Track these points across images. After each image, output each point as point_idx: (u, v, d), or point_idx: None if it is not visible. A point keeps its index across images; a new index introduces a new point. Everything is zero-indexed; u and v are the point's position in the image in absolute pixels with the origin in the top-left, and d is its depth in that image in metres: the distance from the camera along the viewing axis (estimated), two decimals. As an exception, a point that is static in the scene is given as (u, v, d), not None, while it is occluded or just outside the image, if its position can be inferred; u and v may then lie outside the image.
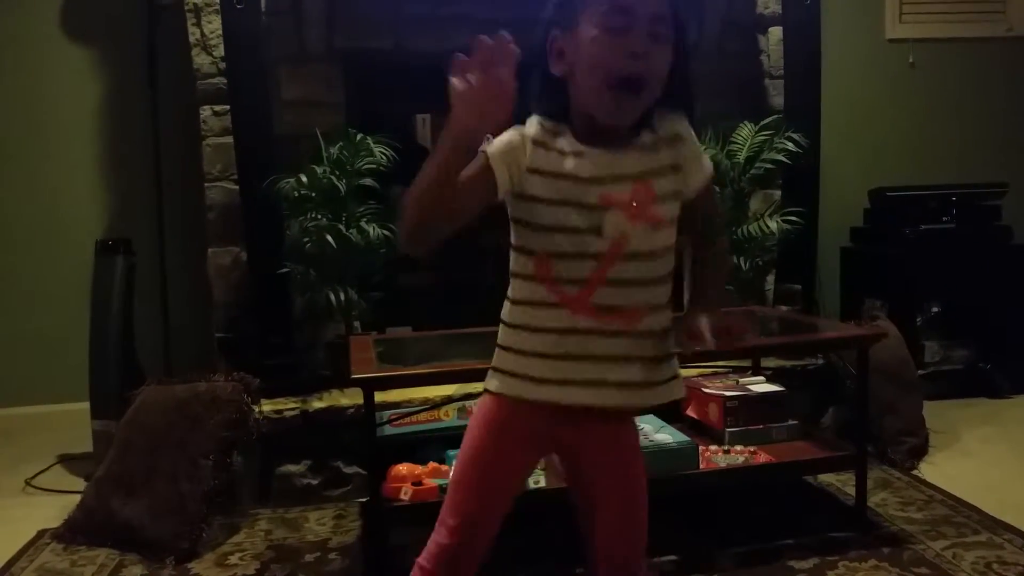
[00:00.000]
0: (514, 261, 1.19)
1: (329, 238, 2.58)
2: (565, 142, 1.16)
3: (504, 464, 1.23)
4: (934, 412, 2.89)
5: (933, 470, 2.60)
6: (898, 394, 2.73)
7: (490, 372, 1.23)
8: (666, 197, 1.17)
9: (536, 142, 1.15)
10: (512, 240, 1.19)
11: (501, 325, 1.21)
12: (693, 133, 1.21)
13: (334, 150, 2.68)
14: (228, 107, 2.78)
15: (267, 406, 2.49)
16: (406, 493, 1.95)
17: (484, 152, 1.14)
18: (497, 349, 1.22)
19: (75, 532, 2.26)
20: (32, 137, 3.34)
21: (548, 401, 1.16)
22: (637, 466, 1.26)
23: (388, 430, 2.24)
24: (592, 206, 1.13)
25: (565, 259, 1.14)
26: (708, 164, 1.23)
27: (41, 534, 2.32)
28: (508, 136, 1.15)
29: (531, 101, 1.18)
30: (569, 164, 1.14)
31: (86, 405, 2.77)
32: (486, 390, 1.24)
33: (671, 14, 1.13)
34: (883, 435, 2.68)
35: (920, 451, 2.70)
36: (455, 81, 1.00)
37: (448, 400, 2.32)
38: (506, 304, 1.21)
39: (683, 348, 1.19)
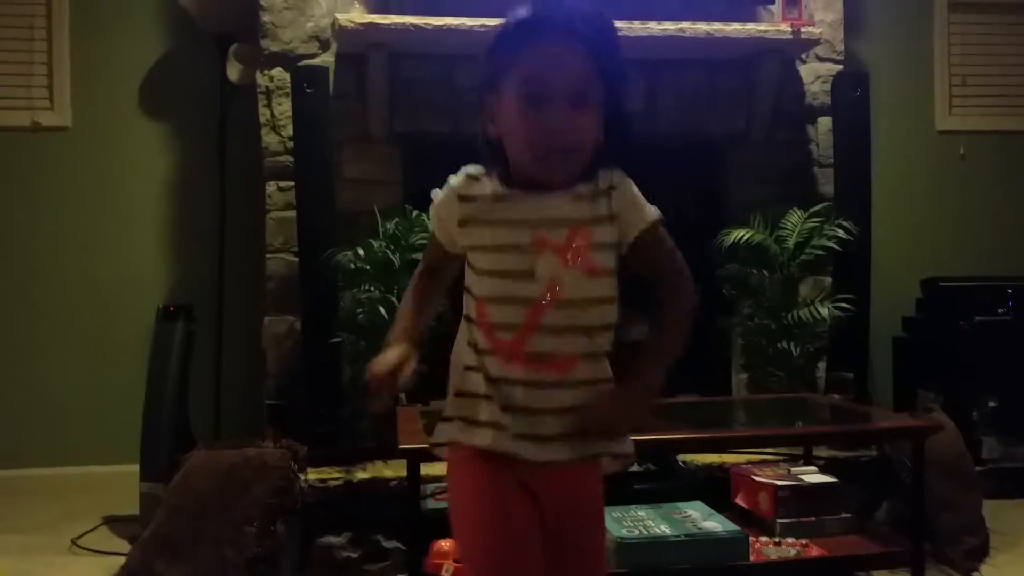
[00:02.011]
0: (465, 304, 1.19)
1: (381, 309, 2.64)
2: (492, 186, 1.16)
3: (515, 509, 1.14)
4: (994, 511, 2.78)
5: (995, 573, 2.49)
6: (956, 490, 2.64)
7: (440, 426, 1.20)
8: (603, 246, 1.15)
9: (461, 197, 1.17)
10: (464, 282, 1.20)
11: (451, 369, 1.20)
12: (630, 182, 1.18)
13: (390, 225, 2.76)
14: (293, 183, 2.90)
15: (312, 475, 2.50)
16: (448, 571, 1.93)
17: (433, 230, 1.23)
18: (450, 396, 1.20)
19: (119, 594, 2.27)
20: (105, 203, 3.50)
21: (504, 452, 1.13)
22: (596, 518, 1.21)
23: (432, 504, 2.23)
24: (525, 248, 1.12)
25: (499, 303, 1.14)
26: (651, 210, 1.19)
27: (85, 594, 2.33)
28: (439, 198, 1.19)
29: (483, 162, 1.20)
30: (500, 209, 1.14)
31: (134, 467, 2.81)
32: (437, 445, 1.20)
33: (593, 74, 1.11)
34: (941, 533, 2.58)
35: (981, 552, 2.59)
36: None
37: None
38: (462, 346, 1.19)
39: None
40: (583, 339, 1.14)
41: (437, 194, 1.20)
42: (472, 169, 1.19)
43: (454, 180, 1.19)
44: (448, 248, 1.22)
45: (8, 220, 3.45)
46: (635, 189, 1.19)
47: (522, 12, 1.13)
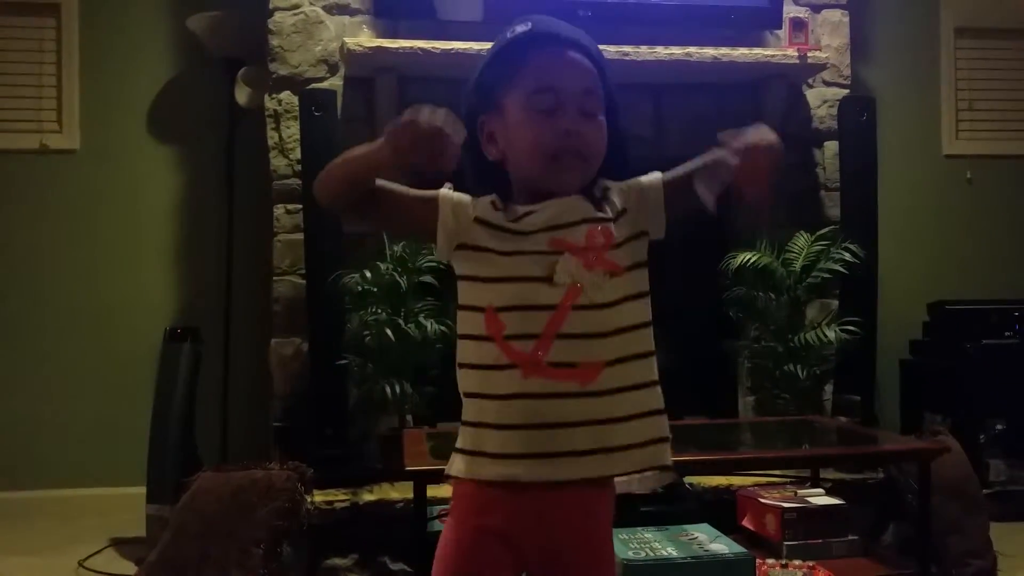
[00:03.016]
0: (462, 322, 1.11)
1: (388, 331, 2.65)
2: (511, 210, 1.11)
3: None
4: (1001, 534, 2.76)
5: (1003, 597, 2.47)
6: (963, 513, 2.63)
7: (452, 455, 1.12)
8: (624, 242, 1.10)
9: (482, 205, 1.12)
10: (459, 300, 1.13)
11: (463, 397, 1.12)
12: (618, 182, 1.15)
13: (397, 248, 2.77)
14: (301, 206, 2.92)
15: (318, 497, 2.50)
16: (454, 592, 1.92)
17: (440, 193, 1.13)
18: (459, 426, 1.12)
19: (124, 616, 2.27)
20: (113, 226, 3.52)
21: (506, 479, 1.05)
22: (608, 547, 1.14)
23: (437, 526, 2.23)
24: (542, 252, 1.07)
25: (516, 312, 1.06)
26: (653, 175, 1.15)
27: (91, 616, 2.33)
28: (460, 195, 1.13)
29: (468, 186, 1.15)
30: (518, 222, 1.10)
31: (141, 489, 2.82)
32: (448, 476, 1.12)
33: (598, 85, 1.10)
34: (947, 555, 2.56)
35: (987, 575, 2.57)
36: (409, 113, 1.04)
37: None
38: (457, 371, 1.12)
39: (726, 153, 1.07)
40: (608, 342, 1.07)
41: (455, 194, 1.14)
42: (495, 197, 1.13)
43: (471, 198, 1.13)
44: (442, 224, 1.11)
45: (16, 241, 3.48)
46: (627, 180, 1.15)
47: (520, 28, 1.11)
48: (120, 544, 2.92)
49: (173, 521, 2.36)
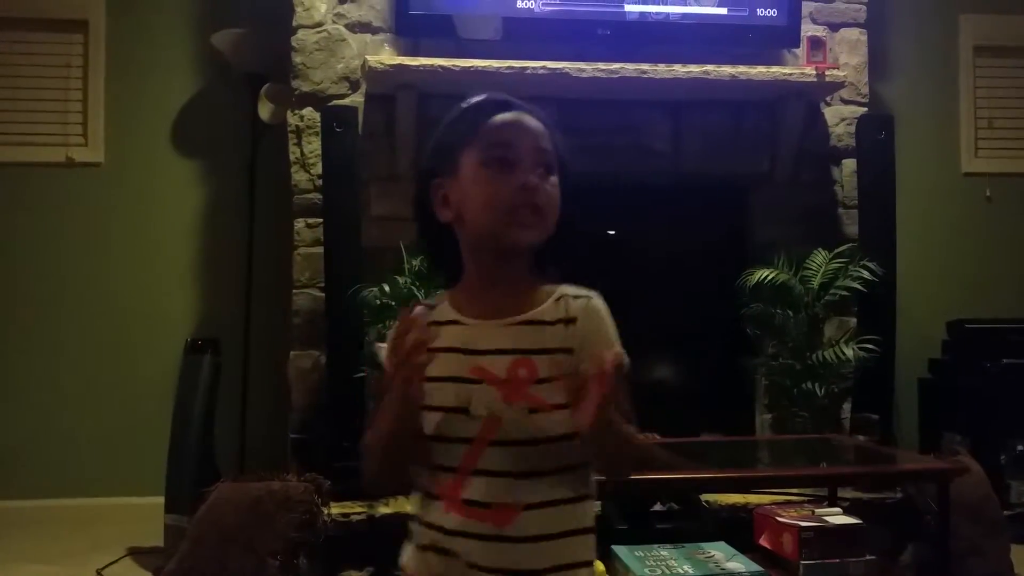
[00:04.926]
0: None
1: (406, 346, 2.66)
2: (442, 311, 1.07)
3: None
4: (1023, 557, 2.73)
5: (1024, 620, 2.44)
6: (983, 535, 2.60)
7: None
8: (553, 378, 1.00)
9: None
10: None
11: None
12: (599, 310, 1.05)
13: (416, 262, 2.80)
14: (321, 220, 2.95)
15: (335, 509, 2.51)
16: (469, 606, 1.93)
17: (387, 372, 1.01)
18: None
19: (142, 624, 2.29)
20: (136, 238, 3.57)
21: None
22: None
23: (454, 540, 2.23)
24: (464, 379, 1.02)
25: (440, 442, 1.03)
26: (616, 350, 0.97)
27: (109, 624, 2.34)
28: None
29: (425, 252, 1.15)
30: (447, 335, 1.04)
31: (158, 499, 2.84)
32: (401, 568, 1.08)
33: (553, 149, 1.08)
34: (968, 578, 2.54)
35: (1009, 599, 2.54)
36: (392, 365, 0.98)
37: (515, 513, 2.31)
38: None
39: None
40: (528, 484, 1.00)
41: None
42: (433, 299, 1.11)
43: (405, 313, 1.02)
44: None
45: (41, 253, 3.53)
46: (604, 320, 1.05)
47: (476, 99, 1.11)
48: (138, 553, 2.94)
49: (191, 531, 2.39)
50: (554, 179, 1.07)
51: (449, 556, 1.02)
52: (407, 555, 1.08)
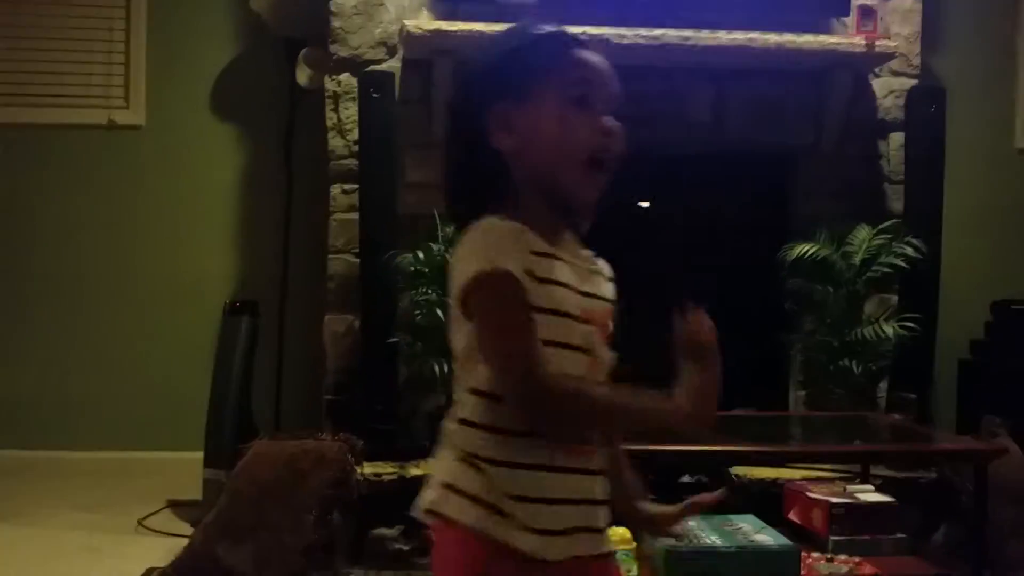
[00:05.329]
0: (487, 379, 0.97)
1: (438, 312, 2.68)
2: (537, 242, 0.98)
3: None
4: (1061, 542, 2.69)
5: (1060, 605, 2.40)
6: (1020, 518, 2.56)
7: (450, 495, 0.97)
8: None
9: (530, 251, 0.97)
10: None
11: (460, 428, 1.00)
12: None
13: (450, 230, 2.80)
14: (357, 186, 2.96)
15: (367, 469, 2.56)
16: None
17: (509, 277, 0.93)
18: (457, 461, 0.98)
19: (181, 573, 2.35)
20: (176, 201, 3.63)
21: (533, 554, 0.96)
22: None
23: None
24: (579, 320, 0.99)
25: None
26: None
27: (149, 572, 2.41)
28: (511, 240, 0.95)
29: (459, 180, 1.05)
30: (557, 271, 0.99)
31: (197, 454, 2.91)
32: (445, 518, 0.98)
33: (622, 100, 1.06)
34: (1004, 561, 2.50)
35: (1045, 583, 2.51)
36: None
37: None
38: (472, 430, 0.98)
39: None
40: None
41: (507, 239, 0.95)
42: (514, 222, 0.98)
43: (512, 226, 0.96)
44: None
45: (84, 214, 3.60)
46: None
47: (548, 27, 1.06)
48: (177, 506, 3.02)
49: (229, 486, 2.44)
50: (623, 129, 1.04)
51: (573, 503, 0.99)
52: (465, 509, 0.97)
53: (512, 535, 0.95)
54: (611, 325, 1.05)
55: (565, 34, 1.06)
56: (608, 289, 1.07)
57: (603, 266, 1.09)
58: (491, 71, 1.05)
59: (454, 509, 0.97)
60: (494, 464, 0.96)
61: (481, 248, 0.94)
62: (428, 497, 1.00)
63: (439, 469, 1.01)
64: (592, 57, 1.05)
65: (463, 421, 0.99)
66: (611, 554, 1.07)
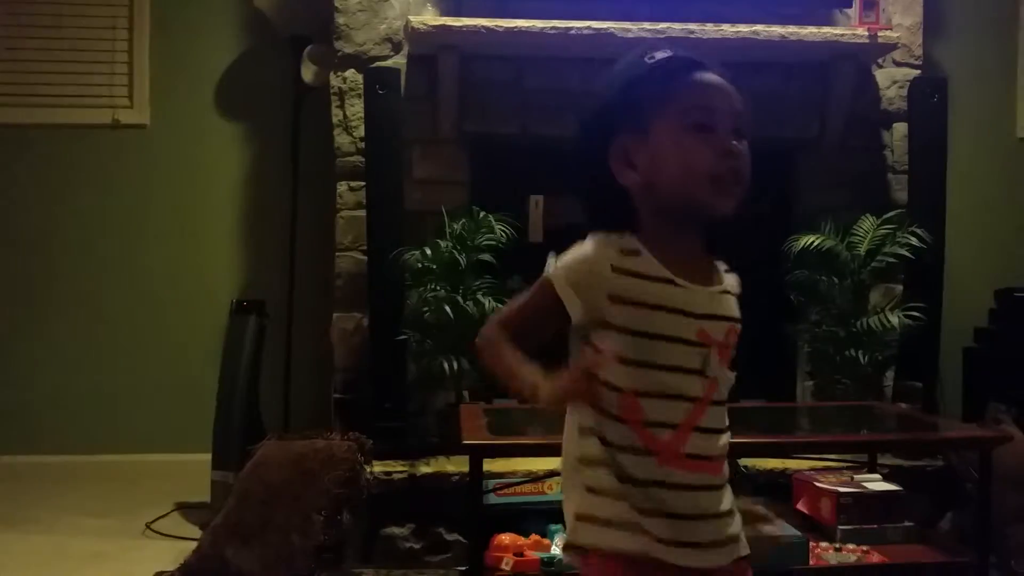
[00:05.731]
0: (592, 416, 1.06)
1: (447, 308, 2.68)
2: (647, 265, 1.04)
3: None
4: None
5: (1067, 591, 2.41)
6: (1027, 505, 2.57)
7: (583, 525, 1.05)
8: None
9: (615, 268, 1.04)
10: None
11: (576, 464, 1.07)
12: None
13: (457, 226, 2.81)
14: (363, 183, 2.97)
15: (377, 467, 2.56)
16: (507, 564, 1.97)
17: (549, 280, 1.05)
18: (582, 492, 1.05)
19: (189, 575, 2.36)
20: (181, 200, 3.63)
21: (655, 558, 1.02)
22: None
23: (492, 499, 2.27)
24: (693, 342, 1.04)
25: (658, 399, 1.03)
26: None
27: (158, 576, 2.42)
28: (582, 257, 1.05)
29: (590, 215, 1.10)
30: (665, 294, 1.04)
31: (206, 456, 2.91)
32: (583, 548, 1.05)
33: (746, 113, 1.08)
34: (1008, 546, 2.51)
35: (1051, 569, 2.52)
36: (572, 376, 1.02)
37: (552, 473, 2.33)
38: (577, 438, 1.07)
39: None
40: (723, 437, 1.09)
41: (575, 258, 1.05)
42: (626, 242, 1.05)
43: (603, 247, 1.04)
44: (573, 315, 1.05)
45: (89, 214, 3.61)
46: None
47: (660, 54, 1.07)
48: (185, 508, 3.03)
49: (237, 487, 2.45)
50: (747, 146, 1.07)
51: (678, 517, 1.03)
52: (584, 531, 1.05)
53: (652, 547, 1.02)
54: (733, 344, 1.09)
55: (679, 59, 1.08)
56: (730, 306, 1.11)
57: (731, 283, 1.13)
58: (608, 107, 1.08)
59: (590, 537, 1.04)
60: (621, 482, 1.03)
61: (562, 262, 1.07)
62: (567, 534, 1.08)
63: (569, 504, 1.08)
64: (708, 78, 1.07)
65: (581, 459, 1.07)
66: (744, 559, 1.10)
